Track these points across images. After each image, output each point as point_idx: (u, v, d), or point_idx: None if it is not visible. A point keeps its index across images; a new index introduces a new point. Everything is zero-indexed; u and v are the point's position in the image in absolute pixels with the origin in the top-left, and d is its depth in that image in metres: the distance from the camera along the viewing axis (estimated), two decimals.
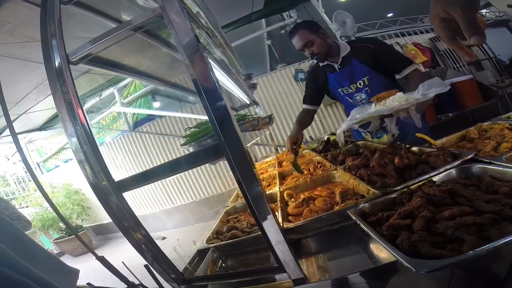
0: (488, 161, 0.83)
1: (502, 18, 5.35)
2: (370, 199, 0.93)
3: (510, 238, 0.48)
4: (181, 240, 4.62)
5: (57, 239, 6.06)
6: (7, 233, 0.84)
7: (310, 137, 3.40)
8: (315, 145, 2.69)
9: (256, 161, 3.63)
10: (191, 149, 1.17)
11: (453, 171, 0.89)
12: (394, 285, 0.78)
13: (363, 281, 0.78)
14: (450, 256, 0.51)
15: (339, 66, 1.90)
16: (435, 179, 0.89)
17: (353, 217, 0.85)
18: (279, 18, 5.06)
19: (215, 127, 0.70)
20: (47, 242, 6.33)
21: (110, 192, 0.86)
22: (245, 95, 2.78)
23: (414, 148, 1.25)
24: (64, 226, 5.83)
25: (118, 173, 5.64)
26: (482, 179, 0.75)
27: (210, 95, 0.70)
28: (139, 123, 5.51)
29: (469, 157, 0.89)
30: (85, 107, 5.58)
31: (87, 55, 0.85)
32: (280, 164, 2.53)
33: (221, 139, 0.70)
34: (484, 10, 5.61)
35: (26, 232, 1.45)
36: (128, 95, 5.52)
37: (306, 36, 1.79)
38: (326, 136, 2.68)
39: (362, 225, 0.77)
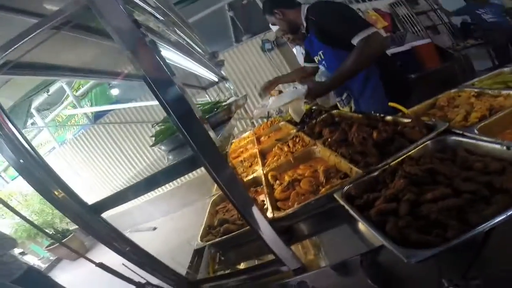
0: (461, 132, 0.87)
1: None
2: (354, 179, 0.95)
3: (490, 223, 0.52)
4: (172, 228, 4.62)
5: (49, 245, 5.74)
6: None
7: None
8: (289, 117, 2.67)
9: (234, 138, 3.59)
10: (163, 148, 1.09)
11: (429, 143, 0.92)
12: (386, 261, 0.83)
13: (361, 264, 0.82)
14: (436, 244, 0.54)
15: (306, 34, 1.90)
16: (413, 153, 0.92)
17: (341, 202, 0.87)
18: None
19: (185, 137, 0.63)
20: (40, 251, 6.01)
21: (85, 215, 0.79)
22: (212, 73, 2.63)
23: (389, 118, 1.28)
24: (52, 232, 5.50)
25: (92, 174, 5.32)
26: (457, 153, 0.79)
27: (168, 95, 0.61)
28: (100, 113, 5.07)
29: (443, 128, 0.92)
30: (34, 105, 5.00)
31: (2, 64, 0.70)
32: (258, 140, 2.51)
33: (194, 149, 0.64)
34: None
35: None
36: (80, 86, 4.99)
37: (268, 19, 1.85)
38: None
39: (351, 211, 0.79)
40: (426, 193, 0.68)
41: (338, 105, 2.14)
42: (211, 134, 0.65)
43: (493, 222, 0.54)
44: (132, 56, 0.59)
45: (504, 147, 0.71)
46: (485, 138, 0.78)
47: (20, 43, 0.67)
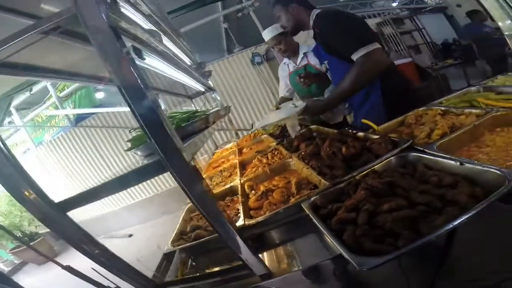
0: (422, 149, 0.92)
1: (441, 5, 5.86)
2: (321, 190, 0.98)
3: (437, 233, 0.55)
4: (149, 235, 4.46)
5: (14, 248, 5.39)
6: None
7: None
8: (271, 130, 2.71)
9: (217, 148, 3.58)
10: (139, 153, 1.08)
11: (392, 159, 0.97)
12: (351, 268, 0.85)
13: (329, 268, 0.84)
14: (387, 252, 0.56)
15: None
16: (377, 167, 0.96)
17: (307, 211, 0.89)
18: (236, 1, 4.82)
19: (152, 143, 0.64)
20: (3, 253, 5.61)
21: (51, 213, 0.76)
22: (198, 84, 2.65)
23: (360, 134, 1.33)
24: (19, 235, 5.17)
25: (67, 175, 5.12)
26: (417, 168, 0.83)
27: (138, 105, 0.62)
28: (82, 116, 4.93)
29: (406, 145, 0.97)
30: (14, 104, 4.83)
31: None
32: (240, 151, 2.53)
33: (160, 155, 0.65)
34: None
35: None
36: (65, 87, 4.87)
37: (276, 10, 1.77)
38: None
39: (314, 220, 0.81)
40: (384, 204, 0.71)
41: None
42: (176, 141, 0.66)
43: (441, 231, 0.57)
44: (108, 64, 0.62)
45: (458, 163, 0.76)
46: (441, 154, 0.83)
47: (8, 45, 0.68)
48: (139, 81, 0.63)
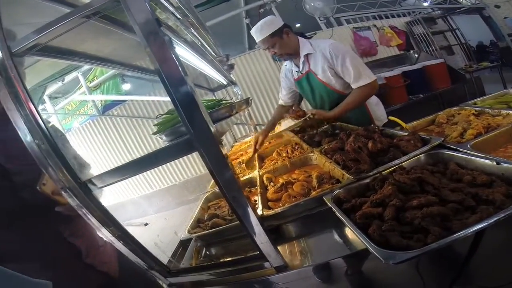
0: (454, 147, 0.87)
1: (477, 6, 5.52)
2: (344, 185, 0.96)
3: (469, 230, 0.52)
4: (165, 225, 4.59)
5: None
6: None
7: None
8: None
9: (236, 142, 3.61)
10: (164, 138, 1.11)
11: (422, 156, 0.93)
12: (369, 267, 0.83)
13: (342, 266, 0.82)
14: (416, 248, 0.54)
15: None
16: (405, 164, 0.93)
17: (329, 204, 0.87)
18: None
19: (184, 121, 0.66)
20: None
21: (78, 190, 0.80)
22: (221, 76, 2.68)
23: (387, 131, 1.29)
24: None
25: (92, 161, 5.36)
26: (448, 166, 0.79)
27: (176, 88, 0.65)
28: (108, 106, 5.15)
29: (437, 143, 0.93)
30: (47, 92, 5.13)
31: (34, 45, 0.75)
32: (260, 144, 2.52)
33: (191, 133, 0.66)
34: None
35: None
36: (95, 78, 5.10)
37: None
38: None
39: (337, 213, 0.80)
40: (413, 200, 0.69)
41: None
42: (208, 119, 0.67)
43: (473, 229, 0.54)
44: (150, 51, 0.64)
45: (494, 162, 0.71)
46: (476, 153, 0.79)
47: (52, 28, 0.73)
48: (179, 68, 0.66)
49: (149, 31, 0.63)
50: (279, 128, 1.92)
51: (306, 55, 1.86)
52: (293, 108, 2.01)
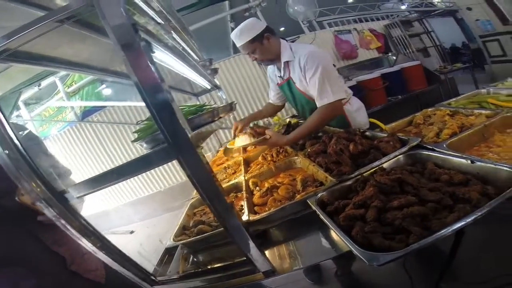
0: (431, 148, 0.91)
1: (451, 8, 5.80)
2: (327, 187, 0.97)
3: (449, 230, 0.54)
4: (151, 232, 4.47)
5: None
6: None
7: (267, 120, 3.37)
8: (276, 128, 2.71)
9: (221, 146, 3.58)
10: (144, 145, 1.09)
11: (401, 157, 0.96)
12: (358, 268, 0.84)
13: (329, 268, 0.83)
14: (398, 249, 0.55)
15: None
16: (385, 165, 0.95)
17: (313, 207, 0.88)
18: (244, 0, 4.83)
19: (161, 129, 0.64)
20: None
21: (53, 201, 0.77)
22: (205, 80, 2.66)
23: (367, 133, 1.32)
24: None
25: (72, 169, 5.15)
26: (426, 166, 0.82)
27: (152, 95, 0.63)
28: (88, 112, 4.96)
29: (415, 143, 0.96)
30: (22, 98, 4.89)
31: (3, 50, 0.71)
32: (245, 149, 2.52)
33: (169, 141, 0.65)
34: (436, 0, 6.03)
35: None
36: (73, 83, 4.91)
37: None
38: (288, 119, 2.71)
39: (321, 216, 0.80)
40: (393, 201, 0.70)
41: None
42: (185, 126, 0.66)
43: (452, 228, 0.56)
44: (126, 57, 0.62)
45: (469, 161, 0.74)
46: (452, 153, 0.82)
47: (24, 33, 0.69)
48: (153, 69, 0.63)
49: (124, 37, 0.61)
50: (235, 143, 1.86)
51: (287, 62, 1.80)
52: (256, 123, 2.06)
